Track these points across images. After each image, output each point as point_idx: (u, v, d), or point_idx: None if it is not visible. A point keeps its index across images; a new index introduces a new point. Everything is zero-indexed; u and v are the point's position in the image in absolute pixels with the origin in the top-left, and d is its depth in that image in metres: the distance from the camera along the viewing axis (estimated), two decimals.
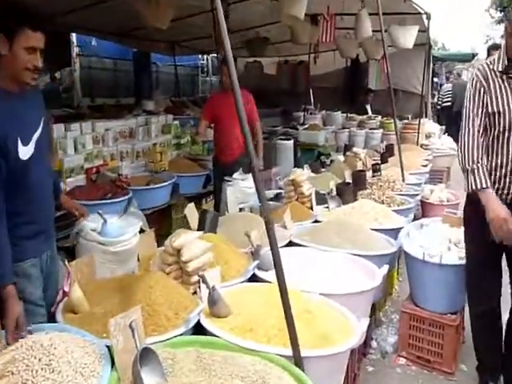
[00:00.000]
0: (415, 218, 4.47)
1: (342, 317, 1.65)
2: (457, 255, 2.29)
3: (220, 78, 3.93)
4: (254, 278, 2.07)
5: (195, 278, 1.79)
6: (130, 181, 3.65)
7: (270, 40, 7.95)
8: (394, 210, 3.13)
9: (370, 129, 7.41)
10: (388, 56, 8.29)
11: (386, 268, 2.03)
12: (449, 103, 11.23)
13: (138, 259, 2.20)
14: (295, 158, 6.51)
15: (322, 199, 3.29)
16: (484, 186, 2.01)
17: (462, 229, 2.63)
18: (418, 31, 6.88)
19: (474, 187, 2.03)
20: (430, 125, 8.12)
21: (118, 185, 3.43)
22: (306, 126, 6.74)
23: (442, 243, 2.42)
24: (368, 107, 8.80)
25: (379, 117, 8.08)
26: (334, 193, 3.31)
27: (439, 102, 12.15)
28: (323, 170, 4.55)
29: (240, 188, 3.38)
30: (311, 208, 3.13)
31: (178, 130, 4.94)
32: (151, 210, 3.65)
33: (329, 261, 2.20)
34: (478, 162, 2.05)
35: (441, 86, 13.94)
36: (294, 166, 6.09)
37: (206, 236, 2.16)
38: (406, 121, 7.66)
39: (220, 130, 4.09)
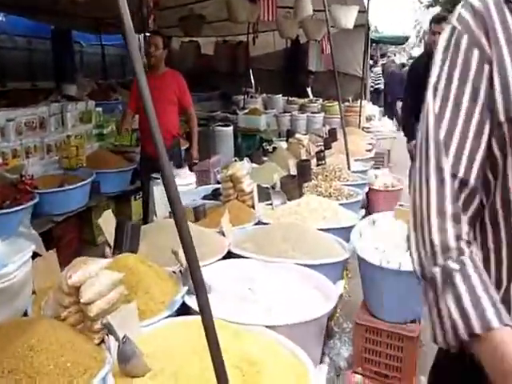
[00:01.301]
0: (362, 207, 4.32)
1: (295, 361, 1.31)
2: None
3: (149, 54, 3.41)
4: (185, 308, 1.68)
5: (101, 324, 1.36)
6: (37, 182, 3.07)
7: (207, 18, 7.41)
8: (342, 204, 2.86)
9: (312, 112, 7.18)
10: (327, 37, 8.20)
11: (341, 284, 1.72)
12: (380, 86, 11.35)
13: (35, 292, 1.72)
14: (236, 144, 6.13)
15: (265, 194, 2.94)
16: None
17: None
18: (358, 12, 6.69)
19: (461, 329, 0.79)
20: (370, 107, 8.07)
21: (21, 188, 2.85)
22: (247, 111, 6.35)
23: (398, 245, 2.17)
24: (309, 90, 8.59)
25: (320, 100, 7.88)
26: (279, 187, 2.97)
27: (372, 85, 12.28)
28: (265, 158, 4.20)
29: None
30: (253, 207, 2.77)
31: (101, 118, 4.34)
32: (65, 215, 3.09)
33: (274, 276, 1.86)
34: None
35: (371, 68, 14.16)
36: (235, 154, 5.73)
37: (121, 258, 1.72)
38: (347, 103, 7.51)
39: (144, 116, 3.56)
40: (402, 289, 2.00)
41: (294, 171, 3.49)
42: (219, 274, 1.89)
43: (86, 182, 3.28)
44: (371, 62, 13.46)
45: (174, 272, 1.88)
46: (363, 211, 2.67)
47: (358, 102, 7.08)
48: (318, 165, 3.95)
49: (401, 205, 2.57)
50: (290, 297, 1.70)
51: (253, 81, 9.54)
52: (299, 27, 7.18)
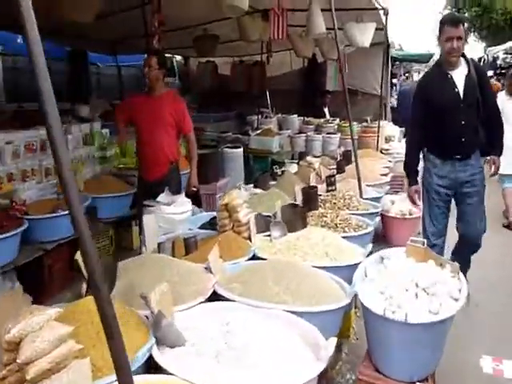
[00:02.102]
0: (375, 234, 4.03)
1: None
2: (427, 307, 1.78)
3: (145, 75, 3.28)
4: (152, 363, 1.46)
5: None
6: (29, 207, 2.95)
7: (221, 38, 7.36)
8: (349, 237, 2.60)
9: (328, 133, 6.96)
10: (346, 56, 8.02)
11: (333, 341, 1.47)
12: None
13: None
14: (247, 167, 5.95)
15: (266, 224, 2.73)
16: None
17: (430, 264, 2.14)
18: (376, 29, 6.49)
19: None
20: (389, 128, 7.77)
21: (10, 214, 2.72)
22: (259, 132, 6.18)
23: (407, 289, 1.90)
24: (326, 110, 8.38)
25: (337, 120, 7.66)
26: (279, 217, 2.75)
27: (395, 105, 11.98)
28: (273, 183, 3.99)
29: (164, 215, 2.75)
30: (249, 238, 2.55)
31: (105, 141, 4.25)
32: (57, 242, 2.95)
33: (259, 326, 1.62)
34: None
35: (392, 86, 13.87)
36: (246, 177, 5.55)
37: (81, 304, 1.52)
38: (365, 123, 7.26)
39: (140, 139, 3.43)
40: (409, 342, 1.72)
41: (299, 198, 3.27)
42: (197, 322, 1.67)
43: None
44: (395, 80, 13.21)
45: (147, 317, 1.67)
46: (370, 246, 2.40)
47: (377, 122, 6.83)
48: (327, 190, 3.71)
49: (413, 240, 2.29)
50: (274, 354, 1.46)
51: (269, 101, 9.42)
52: (315, 46, 7.04)
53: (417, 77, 19.42)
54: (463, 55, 2.88)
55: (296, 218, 2.67)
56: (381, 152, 6.49)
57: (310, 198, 3.13)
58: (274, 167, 4.97)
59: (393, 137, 7.42)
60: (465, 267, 2.91)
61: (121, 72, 8.31)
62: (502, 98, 5.04)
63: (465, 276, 2.58)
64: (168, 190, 3.13)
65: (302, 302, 1.80)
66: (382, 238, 4.49)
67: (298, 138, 6.94)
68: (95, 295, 0.97)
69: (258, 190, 3.57)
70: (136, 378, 1.39)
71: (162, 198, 2.98)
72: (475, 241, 3.01)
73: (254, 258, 2.37)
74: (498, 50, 14.29)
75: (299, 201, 3.26)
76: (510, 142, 3.28)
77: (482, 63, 14.28)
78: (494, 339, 2.59)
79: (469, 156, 2.88)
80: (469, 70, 2.84)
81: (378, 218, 3.23)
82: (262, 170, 5.74)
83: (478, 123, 2.90)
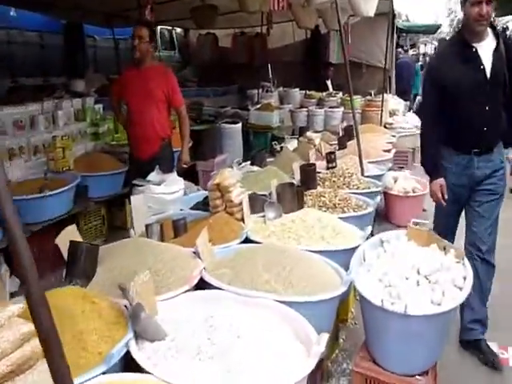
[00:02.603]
0: (377, 213, 3.90)
1: None
2: (428, 296, 1.65)
3: (134, 48, 3.07)
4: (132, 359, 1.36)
5: None
6: (15, 188, 2.82)
7: (220, 9, 7.04)
8: (347, 218, 2.47)
9: (330, 107, 6.72)
10: (350, 26, 7.68)
11: (325, 337, 1.35)
12: None
13: None
14: (247, 143, 5.77)
15: (262, 205, 2.59)
16: None
17: (433, 249, 2.01)
18: None
19: None
20: (394, 101, 7.51)
21: None
22: (258, 107, 5.96)
23: (407, 276, 1.77)
24: (329, 83, 8.09)
25: (340, 93, 7.39)
26: (275, 197, 2.61)
27: None
28: (271, 159, 3.83)
29: (153, 195, 2.62)
30: (243, 220, 2.42)
31: (97, 116, 4.08)
32: (42, 224, 2.83)
33: (246, 318, 1.51)
34: None
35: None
36: (246, 153, 5.38)
37: (52, 294, 1.40)
38: (368, 97, 7.00)
39: (130, 116, 3.26)
40: (409, 335, 1.60)
41: (297, 177, 3.11)
42: (181, 313, 1.56)
43: (67, 187, 3.00)
44: (402, 51, 12.76)
45: (126, 307, 1.56)
46: (370, 228, 2.26)
47: (381, 95, 6.58)
48: (328, 168, 3.55)
49: (415, 222, 2.15)
50: (261, 351, 1.34)
51: (271, 73, 9.12)
52: (318, 16, 6.73)
53: (423, 49, 18.81)
54: (491, 24, 2.32)
55: (292, 197, 2.52)
56: (384, 127, 6.28)
57: (308, 176, 2.98)
58: (273, 143, 4.80)
59: (397, 111, 7.18)
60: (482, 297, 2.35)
61: (118, 45, 8.01)
62: None
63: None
64: (159, 168, 3.00)
65: (294, 290, 1.68)
66: (384, 217, 4.36)
67: (300, 113, 6.71)
68: (26, 298, 0.83)
69: (255, 168, 3.42)
70: (111, 377, 1.29)
71: (152, 176, 2.85)
72: (483, 256, 2.31)
73: (247, 241, 2.25)
74: (508, 20, 13.74)
75: (297, 179, 3.11)
76: None
77: None
78: (499, 327, 2.48)
79: (491, 149, 2.33)
80: (497, 43, 2.27)
81: (379, 197, 3.09)
82: (261, 145, 5.56)
83: (501, 108, 2.34)
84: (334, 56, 8.15)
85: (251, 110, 5.79)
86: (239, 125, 5.20)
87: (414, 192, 4.12)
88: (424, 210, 4.50)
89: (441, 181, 2.38)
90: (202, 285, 1.83)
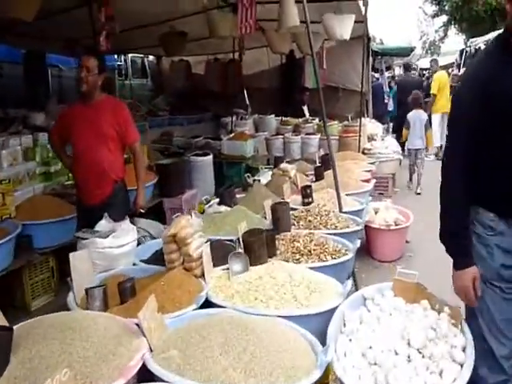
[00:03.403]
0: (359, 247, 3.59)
1: None
2: (422, 379, 1.33)
3: (81, 80, 2.75)
4: None
5: None
6: None
7: (190, 35, 6.86)
8: (323, 268, 2.15)
9: (307, 134, 6.50)
10: (325, 50, 7.58)
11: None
12: None
13: None
14: (220, 175, 5.46)
15: (227, 253, 2.25)
16: None
17: (423, 306, 1.69)
18: (355, 22, 6.07)
19: None
20: (371, 125, 7.37)
21: None
22: (231, 136, 5.70)
23: (396, 350, 1.45)
24: (305, 108, 7.93)
25: (316, 119, 7.22)
26: (242, 247, 2.27)
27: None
28: (242, 196, 3.51)
29: (99, 250, 2.25)
30: (203, 276, 2.07)
31: (50, 154, 3.70)
32: None
33: None
34: None
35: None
36: (218, 186, 5.07)
37: None
38: (346, 122, 6.83)
39: (76, 158, 2.90)
40: None
41: (269, 217, 2.80)
42: None
43: (4, 239, 2.60)
44: (377, 75, 12.82)
45: None
46: (350, 284, 1.94)
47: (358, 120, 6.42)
48: (304, 203, 3.26)
49: (401, 273, 1.85)
50: None
51: (247, 101, 8.94)
52: (292, 41, 6.60)
53: (399, 70, 19.11)
54: None
55: (260, 246, 2.19)
56: (363, 153, 6.08)
57: (281, 216, 2.66)
58: (246, 175, 4.51)
59: (375, 135, 7.01)
60: None
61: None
62: None
63: None
64: (111, 215, 2.62)
65: (257, 380, 1.33)
66: (365, 251, 4.07)
67: (276, 140, 6.47)
68: None
69: (223, 208, 3.09)
70: None
71: (100, 226, 2.48)
72: None
73: (207, 303, 1.90)
74: (479, 42, 14.10)
75: (269, 219, 2.80)
76: None
77: (463, 55, 14.02)
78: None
79: None
80: None
81: (357, 242, 2.78)
82: (235, 178, 5.26)
83: None
84: (310, 81, 8.01)
85: (223, 139, 5.52)
86: (210, 157, 4.90)
87: (396, 224, 3.85)
88: (407, 242, 4.23)
89: (473, 270, 1.60)
90: (145, 373, 1.47)
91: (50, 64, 7.63)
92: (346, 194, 3.43)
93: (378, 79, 11.97)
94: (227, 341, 1.45)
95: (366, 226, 3.97)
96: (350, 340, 1.56)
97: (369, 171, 4.57)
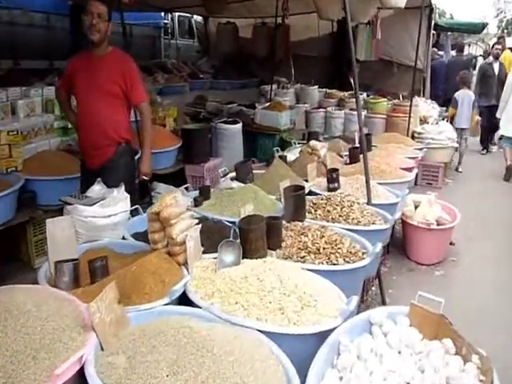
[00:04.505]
0: (393, 243, 3.19)
1: None
2: None
3: (89, 27, 2.46)
4: None
5: None
6: None
7: None
8: (329, 273, 1.78)
9: (351, 109, 5.94)
10: (379, 20, 6.85)
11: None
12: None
13: None
14: (252, 146, 5.11)
15: (221, 239, 1.94)
16: None
17: (445, 348, 1.31)
18: None
19: None
20: (426, 107, 6.66)
21: None
22: (266, 105, 5.28)
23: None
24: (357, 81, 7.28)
25: (364, 94, 6.60)
26: (238, 235, 1.95)
27: None
28: (262, 172, 3.15)
29: (81, 218, 2.01)
30: (186, 263, 1.78)
31: None
32: None
33: None
34: None
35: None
36: (247, 157, 4.73)
37: None
38: (396, 101, 6.19)
39: (79, 113, 2.65)
40: None
41: (283, 201, 2.44)
42: None
43: (8, 191, 2.45)
44: (441, 52, 11.67)
45: None
46: (356, 300, 1.56)
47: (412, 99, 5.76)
48: (329, 189, 2.86)
49: (422, 297, 1.45)
50: None
51: (293, 69, 8.39)
52: (342, 7, 5.95)
53: (469, 50, 17.44)
54: None
55: (258, 236, 1.86)
56: (412, 136, 5.47)
57: (295, 203, 2.30)
58: (275, 149, 4.13)
59: (429, 117, 6.32)
60: None
61: (126, 31, 7.48)
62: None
63: None
64: (110, 181, 2.38)
65: None
66: (401, 251, 3.62)
67: (316, 114, 5.97)
68: None
69: (235, 184, 2.76)
70: None
71: (92, 191, 2.24)
72: None
73: (183, 299, 1.61)
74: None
75: (282, 204, 2.44)
76: None
77: None
78: None
79: None
80: None
81: (386, 237, 2.38)
82: (267, 150, 4.89)
83: None
84: (363, 52, 7.32)
85: (258, 108, 5.12)
86: (238, 125, 4.55)
87: (438, 224, 3.35)
88: (452, 244, 3.72)
89: None
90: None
91: None
92: (380, 183, 2.98)
93: (441, 57, 10.89)
94: (178, 359, 1.16)
95: (403, 222, 3.51)
96: (341, 379, 1.22)
97: (414, 158, 4.03)
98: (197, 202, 2.52)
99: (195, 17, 9.83)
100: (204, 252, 1.91)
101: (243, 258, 1.84)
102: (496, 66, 7.11)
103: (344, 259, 1.92)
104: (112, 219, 2.08)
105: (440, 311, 1.43)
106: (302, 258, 1.92)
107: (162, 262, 1.73)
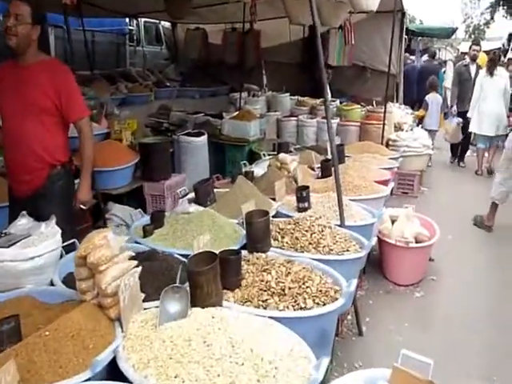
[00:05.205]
0: (369, 261, 2.94)
1: None
2: None
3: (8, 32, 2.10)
4: None
5: None
6: None
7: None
8: (296, 321, 1.48)
9: (324, 117, 5.70)
10: (353, 25, 6.68)
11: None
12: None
13: None
14: (221, 159, 4.79)
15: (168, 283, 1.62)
16: None
17: None
18: None
19: None
20: (400, 113, 6.51)
21: None
22: (234, 114, 4.99)
23: None
24: (327, 88, 7.08)
25: (337, 101, 6.40)
26: (185, 281, 1.63)
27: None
28: (225, 191, 2.83)
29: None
30: (119, 321, 1.45)
31: None
32: None
33: None
34: None
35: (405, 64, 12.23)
36: (216, 172, 4.42)
37: None
38: (369, 107, 6.00)
39: (5, 132, 2.27)
40: None
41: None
42: None
43: None
44: (412, 57, 11.67)
45: None
46: (325, 362, 1.26)
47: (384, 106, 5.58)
48: (299, 209, 2.57)
49: (406, 357, 1.17)
50: None
51: (264, 76, 8.14)
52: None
53: (439, 54, 17.63)
54: None
55: (210, 279, 1.54)
56: (387, 144, 5.27)
57: (256, 231, 2.00)
58: (242, 163, 3.84)
59: (404, 124, 6.16)
60: None
61: (88, 37, 7.08)
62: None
63: None
64: (45, 209, 2.04)
65: None
66: (377, 269, 3.37)
67: (288, 123, 5.72)
68: None
69: (192, 208, 2.43)
70: None
71: (14, 227, 1.88)
72: None
73: (113, 370, 1.28)
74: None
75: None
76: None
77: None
78: None
79: None
80: None
81: (363, 263, 2.10)
82: (235, 163, 4.59)
83: None
84: (335, 57, 7.13)
85: (225, 118, 4.82)
86: (203, 137, 4.22)
87: (417, 241, 3.12)
88: (431, 260, 3.50)
89: None
90: None
91: (51, 24, 7.02)
92: (353, 200, 2.72)
93: (413, 61, 10.88)
94: None
95: (379, 240, 3.26)
96: None
97: (389, 169, 3.81)
98: (146, 232, 2.19)
99: (163, 23, 9.47)
100: (147, 299, 1.59)
101: (193, 305, 1.54)
102: (473, 69, 6.87)
103: (314, 300, 1.63)
104: (36, 261, 1.73)
105: (429, 376, 1.15)
106: (263, 301, 1.62)
107: (88, 319, 1.39)
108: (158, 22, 9.30)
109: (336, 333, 2.58)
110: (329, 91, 7.25)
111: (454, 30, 12.42)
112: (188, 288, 1.55)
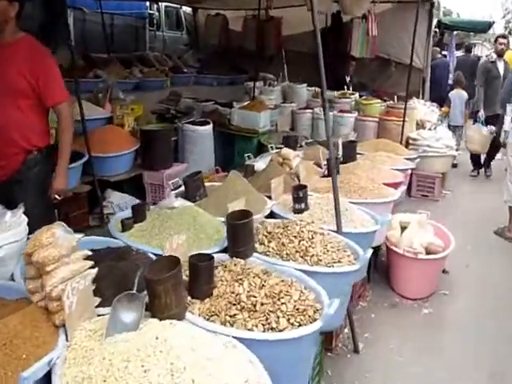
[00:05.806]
0: (375, 269, 2.75)
1: None
2: None
3: None
4: None
5: None
6: None
7: None
8: (264, 344, 1.30)
9: (341, 111, 5.43)
10: (375, 15, 6.33)
11: None
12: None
13: None
14: (232, 149, 4.62)
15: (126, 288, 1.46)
16: None
17: None
18: None
19: None
20: (425, 110, 6.14)
21: None
22: (244, 104, 4.79)
23: None
24: (347, 79, 6.76)
25: (356, 94, 6.09)
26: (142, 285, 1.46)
27: None
28: (218, 185, 2.65)
29: None
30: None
31: None
32: None
33: None
34: None
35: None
36: (227, 162, 4.26)
37: None
38: (389, 103, 5.68)
39: None
40: None
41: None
42: None
43: None
44: (445, 52, 11.11)
45: None
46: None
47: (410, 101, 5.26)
48: (295, 211, 2.37)
49: None
50: None
51: (285, 64, 7.88)
52: (334, 0, 5.49)
53: (474, 50, 16.84)
54: None
55: (169, 290, 1.37)
56: (406, 144, 4.97)
57: (236, 234, 1.81)
58: (246, 156, 3.65)
59: (427, 122, 5.80)
60: None
61: (106, 20, 6.98)
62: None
63: None
64: (20, 195, 1.91)
65: None
66: (384, 279, 3.13)
67: (302, 115, 5.47)
68: None
69: (178, 203, 2.26)
70: None
71: None
72: None
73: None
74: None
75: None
76: None
77: None
78: None
79: None
80: None
81: (358, 277, 1.89)
82: (244, 155, 4.40)
83: None
84: (358, 49, 6.80)
85: (235, 107, 4.62)
86: (208, 127, 4.05)
87: (428, 252, 2.86)
88: (445, 272, 3.23)
89: None
90: None
91: (71, 6, 6.95)
92: (355, 203, 2.49)
93: (445, 56, 10.34)
94: None
95: (387, 248, 3.03)
96: None
97: (403, 170, 3.54)
98: (124, 226, 2.04)
99: (184, 8, 9.29)
100: (106, 304, 1.43)
101: (153, 315, 1.38)
102: (500, 66, 6.11)
103: (288, 320, 1.44)
104: (10, 247, 1.60)
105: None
106: (231, 316, 1.44)
107: (27, 325, 1.25)
108: (179, 6, 9.14)
109: (329, 348, 2.39)
110: (350, 84, 6.97)
111: (490, 24, 11.71)
112: (146, 297, 1.39)
